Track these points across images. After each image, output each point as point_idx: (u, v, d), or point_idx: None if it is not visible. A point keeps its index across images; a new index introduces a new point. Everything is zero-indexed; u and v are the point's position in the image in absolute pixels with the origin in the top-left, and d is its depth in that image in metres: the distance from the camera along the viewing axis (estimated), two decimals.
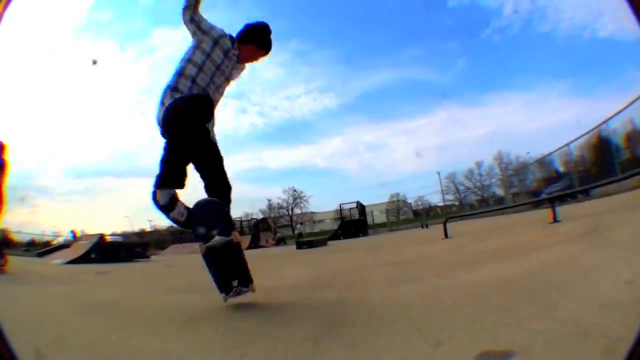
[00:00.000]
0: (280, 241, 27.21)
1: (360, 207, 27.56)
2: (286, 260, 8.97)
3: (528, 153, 39.19)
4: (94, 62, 50.48)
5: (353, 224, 26.05)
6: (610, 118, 15.30)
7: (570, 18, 50.38)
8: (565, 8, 48.69)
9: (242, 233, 26.64)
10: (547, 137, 52.30)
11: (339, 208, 29.32)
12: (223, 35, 2.84)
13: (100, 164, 56.08)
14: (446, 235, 8.89)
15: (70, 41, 49.91)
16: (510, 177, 40.27)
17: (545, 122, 53.04)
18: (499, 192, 42.83)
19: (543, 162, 32.09)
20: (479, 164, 47.08)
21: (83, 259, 10.96)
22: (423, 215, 42.23)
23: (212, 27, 2.81)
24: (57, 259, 11.46)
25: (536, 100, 52.83)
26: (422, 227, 24.18)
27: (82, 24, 51.08)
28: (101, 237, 14.60)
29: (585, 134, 18.48)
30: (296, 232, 33.75)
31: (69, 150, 59.91)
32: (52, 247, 15.96)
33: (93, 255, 11.21)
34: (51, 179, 52.36)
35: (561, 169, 27.94)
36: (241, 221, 28.62)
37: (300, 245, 14.16)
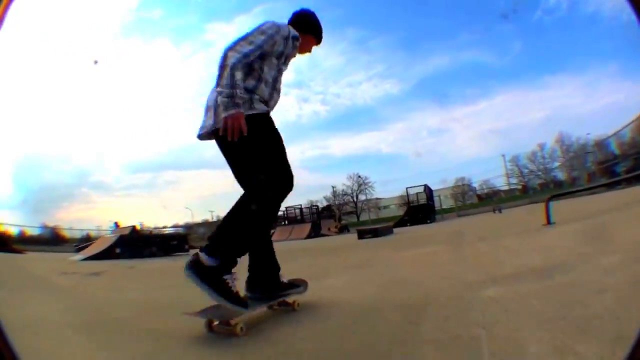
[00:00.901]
0: (344, 229, 25.20)
1: (428, 191, 24.62)
2: (340, 258, 6.77)
3: (588, 134, 38.02)
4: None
5: (420, 209, 23.32)
6: None
7: None
8: None
9: (302, 221, 25.25)
10: (602, 119, 51.55)
11: (405, 193, 26.33)
12: (286, 33, 2.47)
13: (160, 158, 56.39)
14: (549, 221, 6.33)
15: (123, 39, 51.61)
16: (587, 154, 38.02)
17: (598, 104, 50.31)
18: (561, 175, 42.46)
19: (601, 144, 31.42)
20: (541, 146, 44.62)
21: (106, 254, 9.68)
22: (489, 199, 39.96)
23: (275, 29, 2.41)
24: (82, 254, 10.37)
25: (589, 82, 50.62)
26: (494, 211, 20.86)
27: (133, 22, 53.08)
28: (133, 229, 13.53)
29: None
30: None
31: (127, 145, 59.09)
32: (90, 242, 15.14)
33: (118, 250, 9.90)
34: (109, 175, 53.83)
35: (617, 151, 27.57)
36: (301, 208, 26.97)
37: (362, 235, 11.91)
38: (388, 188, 58.52)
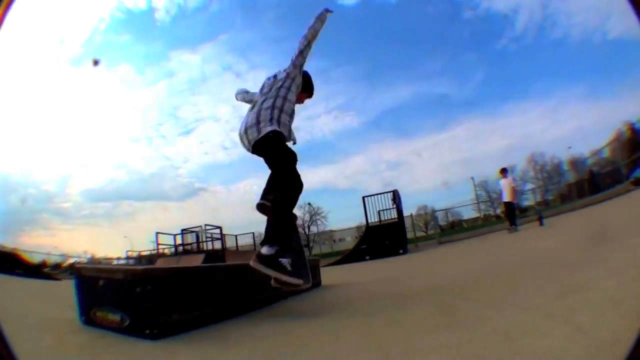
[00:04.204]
0: None
1: (398, 201, 14.27)
2: None
3: (569, 147, 36.25)
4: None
5: (386, 230, 13.03)
6: None
7: (580, 22, 46.04)
8: (575, 12, 48.36)
9: (199, 250, 14.33)
10: (569, 142, 51.54)
11: (362, 202, 14.07)
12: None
13: (119, 187, 49.17)
14: None
15: (88, 63, 46.11)
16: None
17: (565, 128, 48.63)
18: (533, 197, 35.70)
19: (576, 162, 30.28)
20: (511, 168, 40.09)
21: None
22: (456, 228, 32.49)
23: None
24: None
25: (554, 107, 49.37)
26: (510, 230, 11.11)
27: (98, 45, 45.28)
28: None
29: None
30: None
31: (87, 173, 53.21)
32: None
33: None
34: (69, 202, 46.09)
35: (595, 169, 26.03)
36: (198, 233, 15.94)
37: None
38: (345, 222, 51.06)
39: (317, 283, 4.30)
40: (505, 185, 11.24)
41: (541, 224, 10.39)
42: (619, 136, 22.48)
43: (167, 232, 15.53)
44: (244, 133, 2.72)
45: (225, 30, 62.09)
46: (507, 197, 11.19)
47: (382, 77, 58.07)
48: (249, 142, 2.69)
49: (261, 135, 2.61)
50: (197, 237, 15.57)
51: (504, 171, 11.65)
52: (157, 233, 14.81)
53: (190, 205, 47.30)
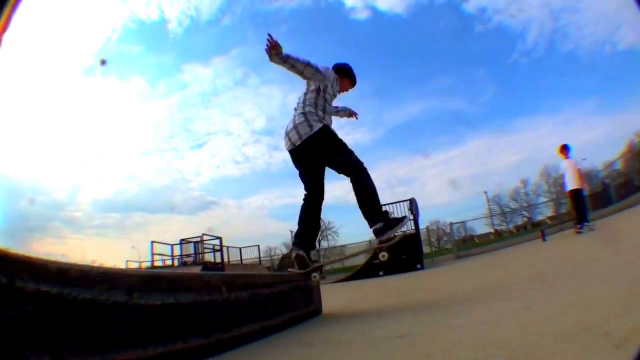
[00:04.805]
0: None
1: (416, 210, 12.53)
2: None
3: (584, 160, 35.26)
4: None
5: (402, 244, 11.53)
6: None
7: (591, 34, 45.52)
8: (585, 24, 47.28)
9: (195, 263, 13.02)
10: (582, 155, 44.61)
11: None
12: (333, 75, 3.29)
13: (130, 199, 50.32)
14: None
15: (101, 75, 46.72)
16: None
17: (577, 140, 45.78)
18: (547, 211, 35.00)
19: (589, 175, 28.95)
20: (524, 182, 40.41)
21: None
22: (468, 244, 31.05)
23: (327, 71, 3.22)
24: None
25: (566, 120, 48.18)
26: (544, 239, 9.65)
27: (111, 56, 45.87)
28: None
29: None
30: None
31: (99, 184, 53.99)
32: None
33: None
34: (80, 212, 46.03)
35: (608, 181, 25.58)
36: (197, 243, 14.66)
37: None
38: (356, 237, 50.53)
39: (315, 311, 2.96)
40: (569, 168, 7.97)
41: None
42: (631, 147, 22.18)
43: (164, 242, 14.34)
44: (294, 129, 3.05)
45: (238, 44, 62.64)
46: (574, 184, 7.84)
47: (393, 93, 58.57)
48: (300, 137, 3.01)
49: (314, 131, 2.99)
50: (196, 247, 14.31)
51: (565, 149, 8.13)
52: (153, 242, 13.64)
53: (203, 218, 46.85)
